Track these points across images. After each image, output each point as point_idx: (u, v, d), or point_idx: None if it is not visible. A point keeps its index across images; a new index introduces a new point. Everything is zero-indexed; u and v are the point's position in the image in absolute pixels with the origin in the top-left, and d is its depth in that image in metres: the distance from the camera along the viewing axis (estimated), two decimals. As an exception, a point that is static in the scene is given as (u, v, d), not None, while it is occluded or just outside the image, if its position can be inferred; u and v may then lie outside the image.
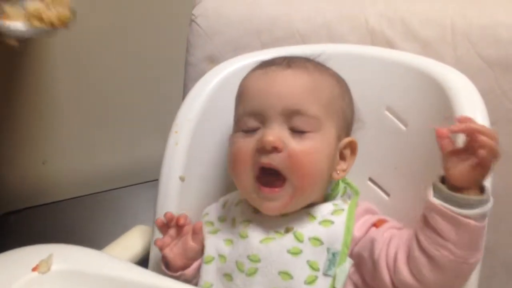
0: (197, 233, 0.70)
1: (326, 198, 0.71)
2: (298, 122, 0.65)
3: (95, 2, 1.55)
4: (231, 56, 0.92)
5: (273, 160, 0.64)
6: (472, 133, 0.56)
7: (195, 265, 0.70)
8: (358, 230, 0.65)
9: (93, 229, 1.44)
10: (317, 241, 0.64)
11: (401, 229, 0.66)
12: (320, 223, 0.66)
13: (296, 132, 0.65)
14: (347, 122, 0.71)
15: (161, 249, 0.70)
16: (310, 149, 0.65)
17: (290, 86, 0.67)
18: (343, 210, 0.67)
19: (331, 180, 0.70)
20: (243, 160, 0.67)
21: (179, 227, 0.70)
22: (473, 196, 0.57)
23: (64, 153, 1.61)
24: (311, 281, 0.63)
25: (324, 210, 0.68)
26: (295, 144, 0.65)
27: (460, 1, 0.91)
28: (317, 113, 0.66)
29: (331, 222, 0.66)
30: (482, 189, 0.58)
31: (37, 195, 1.55)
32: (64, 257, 0.62)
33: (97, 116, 1.59)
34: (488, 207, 0.57)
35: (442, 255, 0.57)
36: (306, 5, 1.01)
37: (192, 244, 0.69)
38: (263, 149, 0.64)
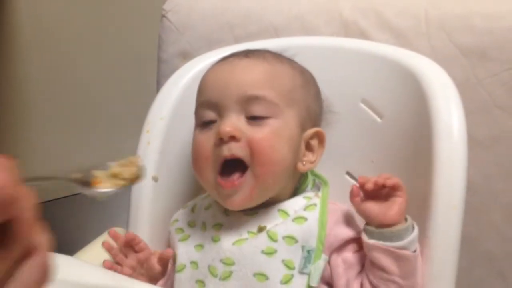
0: (164, 259, 0.68)
1: (295, 192, 0.70)
2: (256, 108, 0.64)
3: (67, 1, 1.52)
4: (204, 51, 0.90)
5: (234, 151, 0.62)
6: (381, 184, 0.62)
7: (161, 281, 0.69)
8: (343, 233, 0.64)
9: (72, 231, 1.42)
10: (291, 239, 0.63)
11: None
12: (293, 220, 0.64)
13: (254, 119, 0.64)
14: (311, 113, 0.69)
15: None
16: (269, 135, 0.63)
17: (247, 74, 0.66)
18: (315, 205, 0.65)
19: (298, 172, 0.68)
20: (204, 156, 0.65)
21: (140, 257, 0.68)
22: (397, 227, 0.61)
23: (39, 155, 1.58)
24: (287, 280, 0.61)
25: (296, 205, 0.66)
26: (253, 132, 0.63)
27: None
28: (275, 100, 0.64)
29: (305, 218, 0.64)
30: (403, 220, 0.62)
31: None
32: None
33: (71, 117, 1.57)
34: (415, 233, 0.61)
35: None
36: (279, -3, 0.99)
37: (158, 268, 0.67)
38: (221, 141, 0.62)
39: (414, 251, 0.61)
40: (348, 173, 0.79)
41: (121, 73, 1.53)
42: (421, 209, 0.63)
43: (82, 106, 1.58)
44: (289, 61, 0.70)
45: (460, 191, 0.63)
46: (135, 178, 0.42)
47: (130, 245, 0.69)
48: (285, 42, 0.86)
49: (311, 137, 0.68)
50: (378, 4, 0.92)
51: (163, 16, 1.02)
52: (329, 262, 0.64)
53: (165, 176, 0.76)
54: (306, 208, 0.65)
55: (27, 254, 0.30)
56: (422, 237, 0.62)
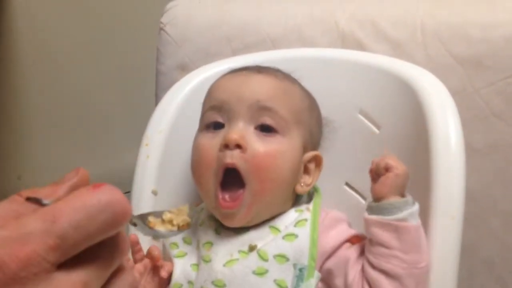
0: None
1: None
2: (267, 119, 0.63)
3: (65, 14, 1.53)
4: (202, 63, 0.90)
5: (236, 160, 0.61)
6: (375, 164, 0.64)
7: None
8: (331, 242, 0.63)
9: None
10: (282, 258, 0.62)
11: None
12: (283, 237, 0.63)
13: (263, 132, 0.63)
14: (313, 136, 0.70)
15: None
16: (274, 151, 0.63)
17: (262, 85, 0.66)
18: (306, 220, 0.64)
19: (295, 193, 0.68)
20: (206, 161, 0.64)
21: (153, 264, 0.66)
22: (395, 199, 0.61)
23: (40, 167, 1.58)
24: None
25: (287, 219, 0.65)
26: (259, 145, 0.62)
27: (429, 2, 0.90)
28: (286, 116, 0.64)
29: (295, 235, 0.63)
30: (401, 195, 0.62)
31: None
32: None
33: (71, 130, 1.57)
34: (416, 207, 0.60)
35: (393, 266, 0.59)
36: (276, 9, 1.00)
37: (165, 275, 0.66)
38: (226, 147, 0.62)
39: (415, 223, 0.60)
40: (347, 184, 0.79)
41: (119, 86, 1.54)
42: (420, 219, 0.63)
43: (80, 118, 1.58)
44: (298, 82, 0.71)
45: (459, 201, 0.63)
46: (185, 225, 0.46)
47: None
48: (282, 54, 0.86)
49: (310, 160, 0.68)
50: (374, 15, 0.93)
51: (161, 29, 1.03)
52: (322, 272, 0.63)
53: (164, 190, 0.77)
54: (296, 224, 0.64)
55: (117, 271, 0.31)
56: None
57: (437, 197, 0.63)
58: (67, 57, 1.52)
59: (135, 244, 0.68)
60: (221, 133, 0.64)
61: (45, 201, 0.30)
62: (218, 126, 0.65)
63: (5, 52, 1.49)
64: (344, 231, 0.65)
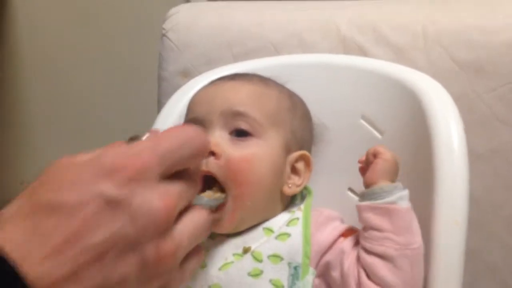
0: None
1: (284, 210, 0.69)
2: (241, 123, 0.63)
3: (67, 18, 1.53)
4: (204, 69, 0.91)
5: (211, 167, 0.61)
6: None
7: None
8: (326, 239, 0.63)
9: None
10: (276, 257, 0.62)
11: None
12: (276, 237, 0.63)
13: (237, 136, 0.63)
14: (297, 136, 0.69)
15: None
16: (249, 155, 0.63)
17: (233, 93, 0.66)
18: (298, 218, 0.64)
19: (285, 195, 0.67)
20: None
21: None
22: (384, 183, 0.62)
23: (39, 167, 1.58)
24: None
25: (281, 220, 0.65)
26: (233, 151, 0.62)
27: (430, 7, 0.91)
28: (260, 119, 0.64)
29: (288, 235, 0.63)
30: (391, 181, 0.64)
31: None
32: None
33: (73, 135, 1.57)
34: (406, 192, 0.62)
35: (386, 247, 0.59)
36: (277, 14, 1.00)
37: None
38: None
39: (405, 205, 0.61)
40: (350, 189, 0.80)
41: (122, 92, 1.54)
42: (423, 225, 0.63)
43: (82, 124, 1.59)
44: (277, 85, 0.71)
45: (463, 206, 0.63)
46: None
47: None
48: (283, 60, 0.87)
49: (296, 160, 0.68)
50: (375, 20, 0.93)
51: (163, 35, 1.03)
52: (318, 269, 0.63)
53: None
54: (289, 223, 0.64)
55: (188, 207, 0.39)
56: (425, 253, 0.62)
57: (440, 202, 0.63)
58: (69, 63, 1.53)
59: None
60: None
61: (145, 136, 0.39)
62: None
63: (8, 61, 1.49)
64: (337, 226, 0.66)
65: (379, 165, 0.63)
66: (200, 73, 0.89)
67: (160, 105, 0.99)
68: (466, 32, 0.85)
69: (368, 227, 0.61)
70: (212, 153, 0.61)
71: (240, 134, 0.64)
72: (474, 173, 0.68)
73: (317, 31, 0.96)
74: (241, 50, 0.98)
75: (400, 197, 0.61)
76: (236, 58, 0.97)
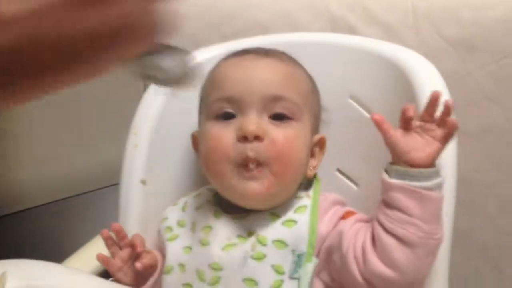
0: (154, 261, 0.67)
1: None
2: (280, 108, 0.63)
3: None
4: (192, 50, 0.88)
5: (257, 154, 0.61)
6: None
7: (151, 280, 0.67)
8: (326, 226, 0.63)
9: (60, 237, 1.40)
10: (281, 243, 0.61)
11: (368, 221, 0.63)
12: (283, 223, 0.63)
13: (277, 120, 0.63)
14: (317, 119, 0.70)
15: (112, 273, 0.67)
16: (292, 137, 0.63)
17: (271, 73, 0.65)
18: (306, 206, 0.64)
19: (305, 177, 0.67)
20: (221, 150, 0.62)
21: (135, 252, 0.66)
22: (428, 169, 0.57)
23: (30, 160, 1.56)
24: (277, 286, 0.60)
25: (288, 206, 0.65)
26: (277, 132, 0.62)
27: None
28: (298, 101, 0.65)
29: (294, 221, 0.63)
30: (432, 165, 0.58)
31: (3, 205, 1.50)
32: (20, 273, 0.58)
33: (61, 122, 1.55)
34: (442, 178, 0.58)
35: (409, 233, 0.56)
36: (265, -6, 0.98)
37: (139, 267, 0.65)
38: (244, 139, 0.61)
39: (440, 194, 0.58)
40: (338, 170, 0.78)
41: (108, 76, 1.52)
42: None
43: (72, 112, 1.56)
44: (300, 65, 0.70)
45: (451, 185, 0.63)
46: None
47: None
48: (272, 39, 0.85)
49: (315, 144, 0.69)
50: (364, -2, 0.91)
51: (149, 16, 1.01)
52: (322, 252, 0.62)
53: (153, 179, 0.75)
54: (296, 210, 0.64)
55: None
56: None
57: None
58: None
59: (119, 232, 0.68)
60: (233, 123, 0.63)
61: None
62: (228, 116, 0.64)
63: None
64: (337, 211, 0.65)
65: (435, 151, 0.57)
66: (187, 54, 0.87)
67: (145, 87, 0.97)
68: (456, 9, 0.84)
69: (393, 207, 0.57)
70: (257, 137, 0.61)
71: (280, 117, 0.64)
72: (465, 152, 0.67)
73: (306, 10, 0.94)
74: (230, 30, 0.96)
75: (437, 184, 0.57)
76: (224, 39, 0.94)
